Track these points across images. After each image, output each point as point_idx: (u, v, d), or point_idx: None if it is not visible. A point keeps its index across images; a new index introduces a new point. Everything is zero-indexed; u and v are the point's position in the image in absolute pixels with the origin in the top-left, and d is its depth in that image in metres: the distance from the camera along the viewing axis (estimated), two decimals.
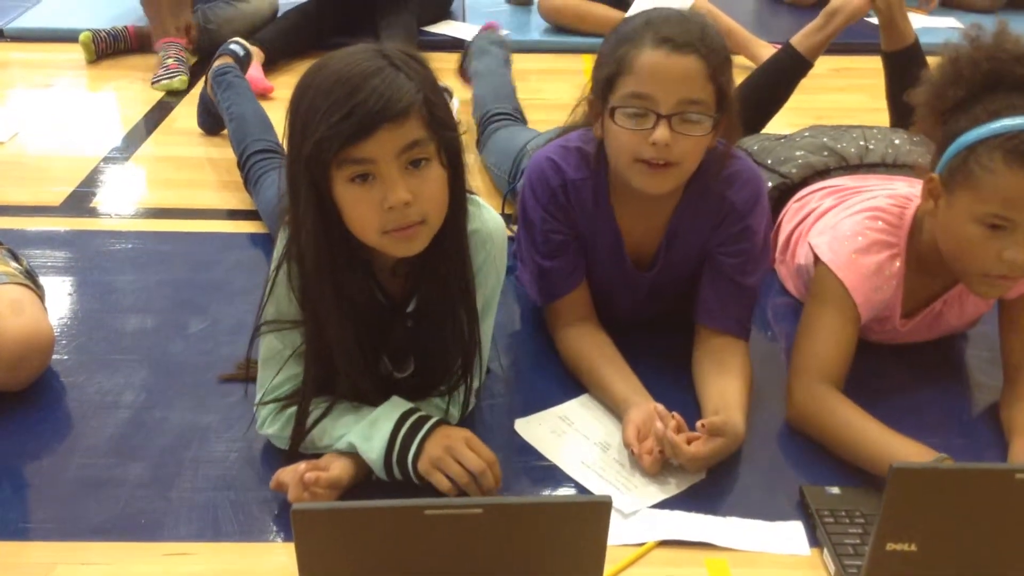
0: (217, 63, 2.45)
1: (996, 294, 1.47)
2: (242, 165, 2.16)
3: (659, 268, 1.61)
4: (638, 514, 1.31)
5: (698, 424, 1.36)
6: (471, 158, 2.36)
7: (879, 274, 1.49)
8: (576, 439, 1.46)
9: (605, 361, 1.54)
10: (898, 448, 1.34)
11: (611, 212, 1.57)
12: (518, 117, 2.36)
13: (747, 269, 1.57)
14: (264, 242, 2.01)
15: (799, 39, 2.21)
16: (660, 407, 1.39)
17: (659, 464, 1.36)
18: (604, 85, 1.44)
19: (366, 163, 1.19)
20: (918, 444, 1.35)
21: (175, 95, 2.84)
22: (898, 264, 1.50)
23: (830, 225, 1.59)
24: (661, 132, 1.39)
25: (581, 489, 1.37)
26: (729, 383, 1.47)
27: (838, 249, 1.51)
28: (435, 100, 1.22)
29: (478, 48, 2.71)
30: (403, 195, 1.20)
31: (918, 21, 2.50)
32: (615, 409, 1.48)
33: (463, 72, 2.75)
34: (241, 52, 2.51)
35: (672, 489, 1.36)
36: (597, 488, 1.36)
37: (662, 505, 1.33)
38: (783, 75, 2.25)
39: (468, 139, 2.38)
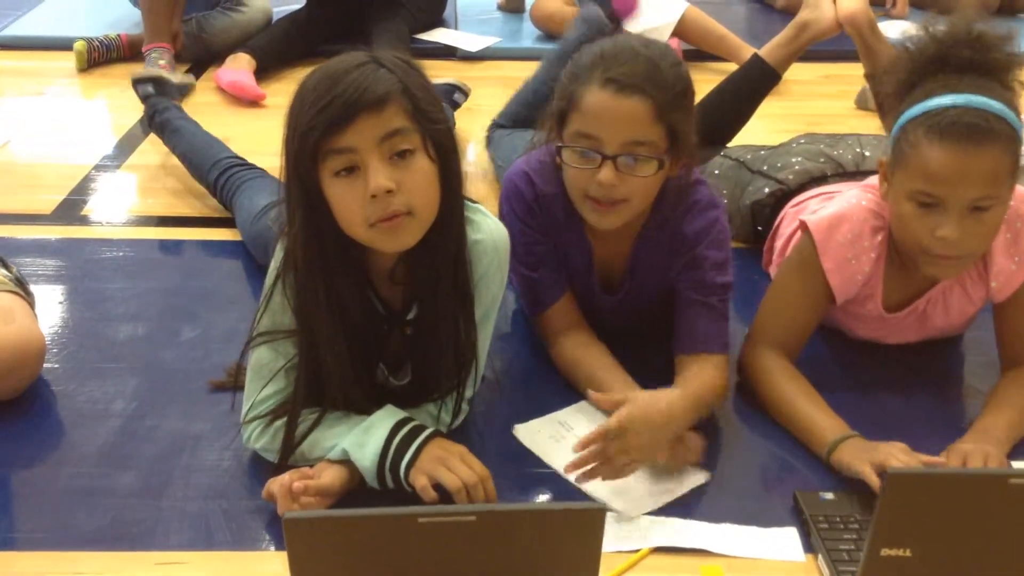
0: (144, 113, 2.42)
1: (943, 274, 1.48)
2: (214, 194, 2.14)
3: (624, 292, 1.61)
4: (632, 521, 1.31)
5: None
6: (470, 166, 2.36)
7: (858, 242, 1.50)
8: (572, 443, 1.45)
9: (603, 368, 1.53)
10: (817, 424, 1.41)
11: (582, 228, 1.56)
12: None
13: (706, 292, 1.52)
14: None
15: (768, 50, 2.21)
16: None
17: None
18: (558, 118, 1.45)
19: (347, 152, 1.20)
20: (841, 422, 1.40)
21: None
22: (880, 237, 1.50)
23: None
24: (605, 173, 1.39)
25: (583, 494, 1.36)
26: (681, 386, 1.43)
27: (823, 213, 1.53)
28: (418, 93, 1.23)
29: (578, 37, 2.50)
30: (384, 182, 1.20)
31: (894, 29, 2.51)
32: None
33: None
34: (150, 87, 2.44)
35: (674, 492, 1.36)
36: (599, 493, 1.35)
37: (656, 512, 1.33)
38: (751, 87, 2.24)
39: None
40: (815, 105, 2.91)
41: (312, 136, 1.19)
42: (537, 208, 1.55)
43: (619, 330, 1.63)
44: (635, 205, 1.45)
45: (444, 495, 1.29)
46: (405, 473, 1.29)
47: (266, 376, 1.36)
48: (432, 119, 1.24)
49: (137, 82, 2.49)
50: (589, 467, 1.31)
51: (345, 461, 1.32)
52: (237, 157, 2.15)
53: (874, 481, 1.29)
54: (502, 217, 1.58)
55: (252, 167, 2.09)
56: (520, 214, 1.55)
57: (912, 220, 1.40)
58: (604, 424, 1.30)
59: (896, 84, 1.44)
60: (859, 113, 2.80)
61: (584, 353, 1.56)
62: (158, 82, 2.48)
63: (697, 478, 1.39)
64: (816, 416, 1.44)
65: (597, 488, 1.36)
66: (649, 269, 1.58)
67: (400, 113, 1.21)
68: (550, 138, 1.50)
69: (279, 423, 1.35)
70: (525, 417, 1.52)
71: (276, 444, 1.35)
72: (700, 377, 1.45)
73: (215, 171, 2.12)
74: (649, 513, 1.33)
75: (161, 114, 2.35)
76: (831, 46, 3.10)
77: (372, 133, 1.19)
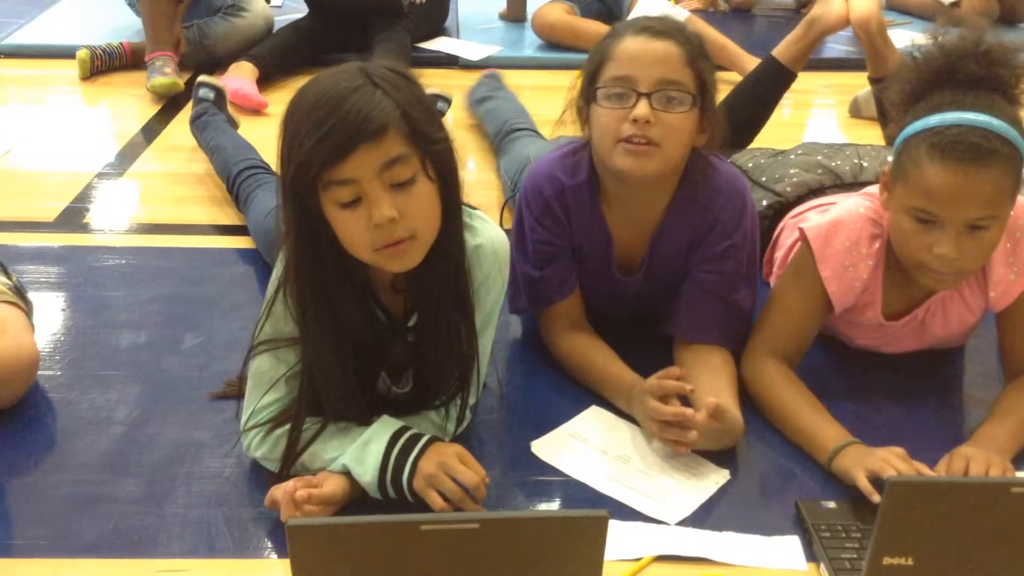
0: (194, 110, 2.47)
1: (938, 286, 1.48)
2: (231, 189, 2.18)
3: (643, 274, 1.63)
4: (635, 529, 1.31)
5: (708, 401, 1.38)
6: (473, 173, 2.38)
7: (855, 249, 1.50)
8: (595, 455, 1.46)
9: (606, 356, 1.56)
10: (818, 431, 1.42)
11: (602, 217, 1.58)
12: (537, 132, 2.38)
13: (733, 285, 1.58)
14: (259, 258, 2.01)
15: (780, 49, 2.24)
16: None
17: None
18: (589, 80, 1.50)
19: (349, 183, 1.19)
20: (842, 429, 1.42)
21: (170, 112, 2.84)
22: (878, 245, 1.51)
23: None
24: (641, 108, 1.43)
25: (613, 503, 1.36)
26: (719, 380, 1.49)
27: (821, 220, 1.54)
28: (416, 115, 1.21)
29: (485, 86, 2.71)
30: (388, 212, 1.20)
31: (901, 38, 2.53)
32: (624, 396, 1.49)
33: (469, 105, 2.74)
34: (212, 94, 2.51)
35: (704, 494, 1.37)
36: (633, 502, 1.36)
37: (658, 520, 1.33)
38: (767, 86, 2.27)
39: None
40: (817, 114, 2.92)
41: (311, 168, 1.18)
42: (557, 203, 1.57)
43: (637, 312, 1.67)
44: (666, 152, 1.47)
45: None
46: (408, 484, 1.30)
47: (266, 384, 1.36)
48: (430, 139, 1.23)
49: (202, 84, 2.52)
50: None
51: (347, 472, 1.32)
52: (264, 162, 2.19)
53: (865, 486, 1.29)
54: (518, 214, 1.61)
55: (275, 173, 2.11)
56: (535, 212, 1.58)
57: (910, 235, 1.40)
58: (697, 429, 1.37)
59: (901, 94, 1.44)
60: (855, 122, 2.81)
61: (587, 345, 1.59)
62: (219, 94, 2.53)
63: (720, 476, 1.41)
64: (818, 423, 1.44)
65: (632, 498, 1.37)
66: (669, 249, 1.60)
67: (399, 139, 1.19)
68: (579, 111, 1.54)
69: (279, 432, 1.35)
70: (527, 423, 1.52)
71: (276, 453, 1.35)
72: (733, 378, 1.53)
73: (240, 166, 2.16)
74: (650, 521, 1.33)
75: (210, 115, 2.42)
76: (833, 55, 3.12)
77: (372, 163, 1.19)
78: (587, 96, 1.51)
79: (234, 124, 2.53)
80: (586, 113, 1.52)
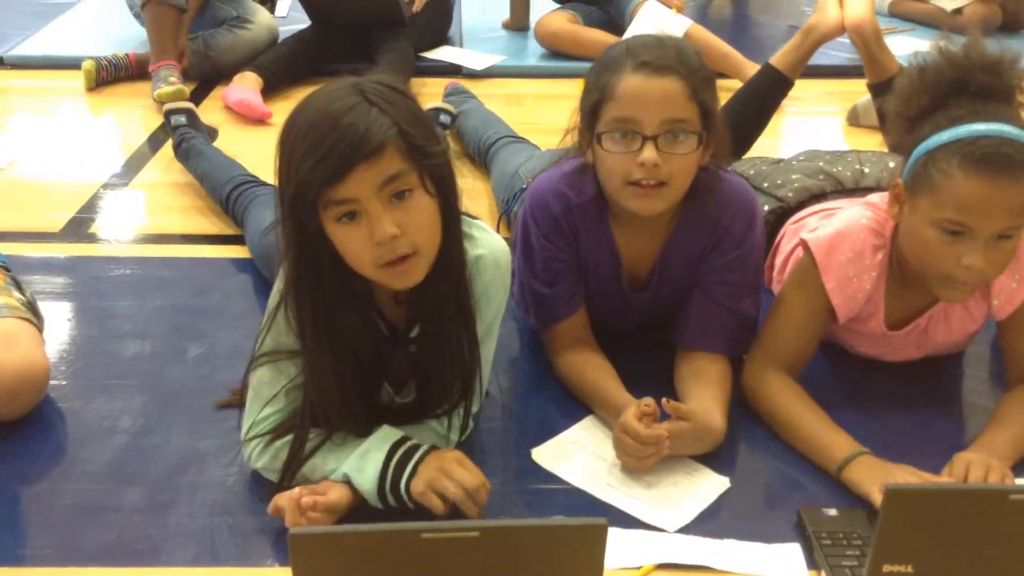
0: (173, 140, 2.49)
1: (960, 298, 1.48)
2: (227, 211, 2.19)
3: (653, 289, 1.63)
4: (636, 537, 1.31)
5: (663, 401, 1.39)
6: (468, 182, 2.38)
7: (859, 260, 1.51)
8: (594, 462, 1.46)
9: (607, 376, 1.55)
10: (826, 440, 1.42)
11: (609, 233, 1.59)
12: (516, 136, 2.39)
13: (739, 295, 1.59)
14: None
15: (778, 58, 2.25)
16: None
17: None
18: (590, 113, 1.48)
19: (349, 202, 1.20)
20: (850, 439, 1.41)
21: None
22: (880, 256, 1.51)
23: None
24: (648, 153, 1.41)
25: (613, 511, 1.36)
26: (709, 388, 1.50)
27: (823, 232, 1.54)
28: (413, 131, 1.21)
29: (452, 102, 2.71)
30: (389, 229, 1.20)
31: (902, 47, 2.53)
32: (615, 417, 1.47)
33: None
34: (183, 118, 2.53)
35: (706, 500, 1.38)
36: (630, 509, 1.36)
37: (658, 528, 1.34)
38: (765, 94, 2.27)
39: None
40: (818, 121, 2.93)
41: (310, 188, 1.19)
42: (565, 220, 1.57)
43: (643, 322, 1.67)
44: (675, 188, 1.47)
45: (453, 505, 1.30)
46: (406, 491, 1.30)
47: (266, 396, 1.37)
48: (428, 154, 1.23)
49: (171, 113, 2.54)
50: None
51: (347, 481, 1.33)
52: (252, 175, 2.20)
53: (879, 502, 1.29)
54: (524, 230, 1.61)
55: (265, 184, 2.12)
56: (543, 229, 1.58)
57: (937, 247, 1.39)
58: (660, 430, 1.37)
59: (914, 106, 1.43)
60: (855, 130, 2.82)
61: (589, 364, 1.58)
62: (190, 114, 2.54)
63: (720, 483, 1.41)
64: (824, 432, 1.44)
65: (631, 505, 1.37)
66: (679, 261, 1.60)
67: (396, 156, 1.20)
68: (581, 137, 1.53)
69: (279, 443, 1.36)
70: (528, 432, 1.53)
71: (276, 464, 1.36)
72: (723, 385, 1.53)
73: (229, 186, 2.17)
74: (651, 528, 1.33)
75: (188, 141, 2.43)
76: (834, 62, 3.13)
77: (371, 182, 1.19)
78: (589, 128, 1.49)
79: (213, 135, 2.56)
80: (588, 139, 1.51)
